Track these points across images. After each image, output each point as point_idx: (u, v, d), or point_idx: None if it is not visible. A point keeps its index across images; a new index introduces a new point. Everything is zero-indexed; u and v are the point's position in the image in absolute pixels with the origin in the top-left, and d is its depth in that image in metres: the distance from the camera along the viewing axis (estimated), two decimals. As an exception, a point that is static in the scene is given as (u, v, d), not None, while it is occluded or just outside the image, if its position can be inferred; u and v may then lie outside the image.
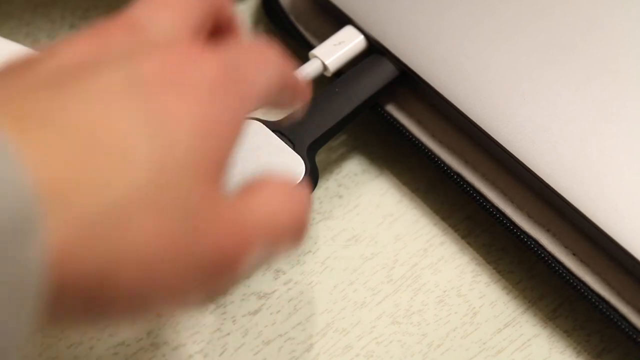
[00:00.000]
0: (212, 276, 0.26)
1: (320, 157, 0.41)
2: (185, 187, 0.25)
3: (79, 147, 0.23)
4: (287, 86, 0.30)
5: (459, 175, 0.39)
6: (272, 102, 0.30)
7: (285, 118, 0.39)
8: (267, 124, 0.39)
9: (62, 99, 0.24)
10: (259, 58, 0.29)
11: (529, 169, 0.37)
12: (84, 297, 0.24)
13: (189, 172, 0.25)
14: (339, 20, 0.42)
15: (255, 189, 0.28)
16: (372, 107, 0.41)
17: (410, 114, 0.41)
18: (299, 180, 0.37)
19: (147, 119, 0.24)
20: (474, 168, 0.39)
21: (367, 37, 0.41)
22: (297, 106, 0.32)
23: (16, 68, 0.25)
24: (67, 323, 0.26)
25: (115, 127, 0.24)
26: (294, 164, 0.37)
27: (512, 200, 0.39)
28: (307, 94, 0.32)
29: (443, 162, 0.40)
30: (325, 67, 0.41)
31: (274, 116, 0.40)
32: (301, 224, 0.29)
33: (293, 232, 0.28)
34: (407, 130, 0.40)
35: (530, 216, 0.38)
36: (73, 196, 0.23)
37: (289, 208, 0.28)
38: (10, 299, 0.22)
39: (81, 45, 0.26)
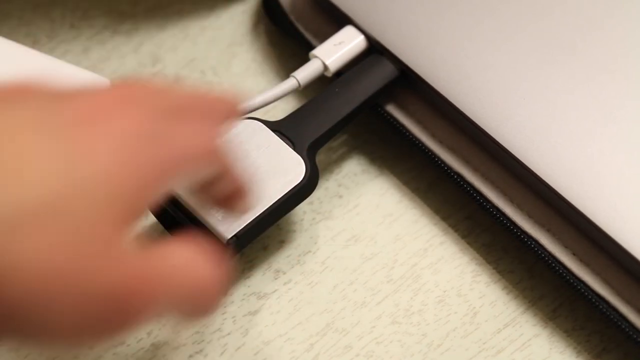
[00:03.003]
0: (107, 315, 0.25)
1: (320, 157, 0.41)
2: (85, 215, 0.25)
3: None
4: (217, 167, 0.30)
5: (459, 175, 0.39)
6: (209, 183, 0.30)
7: (286, 118, 0.39)
8: (267, 124, 0.39)
9: None
10: (186, 129, 0.28)
11: (529, 169, 0.37)
12: None
13: (90, 203, 0.25)
14: (339, 20, 0.42)
15: (170, 245, 0.28)
16: (372, 107, 0.41)
17: (410, 114, 0.41)
18: (298, 180, 0.37)
19: (54, 150, 0.25)
20: (474, 168, 0.39)
21: (367, 37, 0.41)
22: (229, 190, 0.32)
23: None
24: None
25: (17, 149, 0.24)
26: (294, 164, 0.38)
27: (512, 200, 0.39)
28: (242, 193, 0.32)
29: (443, 162, 0.40)
30: (325, 67, 0.41)
31: (274, 116, 0.40)
32: (206, 291, 0.28)
33: (196, 297, 0.28)
34: (407, 130, 0.40)
35: (530, 216, 0.38)
36: None
37: (196, 270, 0.28)
38: None
39: (13, 88, 0.27)
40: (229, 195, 0.32)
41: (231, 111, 0.31)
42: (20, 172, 0.24)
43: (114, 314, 0.26)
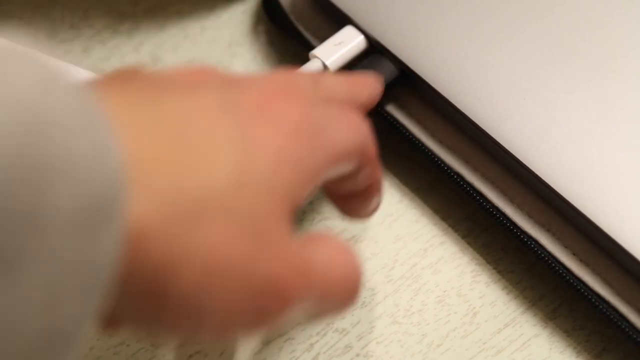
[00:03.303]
0: (261, 307, 0.26)
1: (320, 157, 0.41)
2: (258, 205, 0.25)
3: (169, 136, 0.24)
4: (365, 159, 0.30)
5: (459, 175, 0.39)
6: (348, 177, 0.31)
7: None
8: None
9: (161, 99, 0.25)
10: (343, 120, 0.29)
11: (529, 169, 0.37)
12: (144, 290, 0.23)
13: (263, 194, 0.25)
14: (339, 20, 0.42)
15: (315, 239, 0.28)
16: (372, 107, 0.41)
17: (410, 114, 0.41)
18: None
19: (235, 137, 0.25)
20: (474, 168, 0.39)
21: (367, 37, 0.41)
22: (372, 201, 0.33)
23: (123, 74, 0.27)
24: (121, 322, 0.25)
25: (205, 133, 0.25)
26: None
27: (512, 200, 0.39)
28: (381, 187, 0.33)
29: (443, 162, 0.40)
30: (325, 67, 0.41)
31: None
32: (353, 285, 0.29)
33: (344, 291, 0.29)
34: (407, 130, 0.40)
35: (530, 216, 0.38)
36: (158, 178, 0.23)
37: (344, 265, 0.28)
38: (84, 281, 0.21)
39: (191, 72, 0.28)
40: (356, 193, 0.32)
41: (374, 96, 0.33)
42: (208, 158, 0.25)
43: (266, 305, 0.26)
